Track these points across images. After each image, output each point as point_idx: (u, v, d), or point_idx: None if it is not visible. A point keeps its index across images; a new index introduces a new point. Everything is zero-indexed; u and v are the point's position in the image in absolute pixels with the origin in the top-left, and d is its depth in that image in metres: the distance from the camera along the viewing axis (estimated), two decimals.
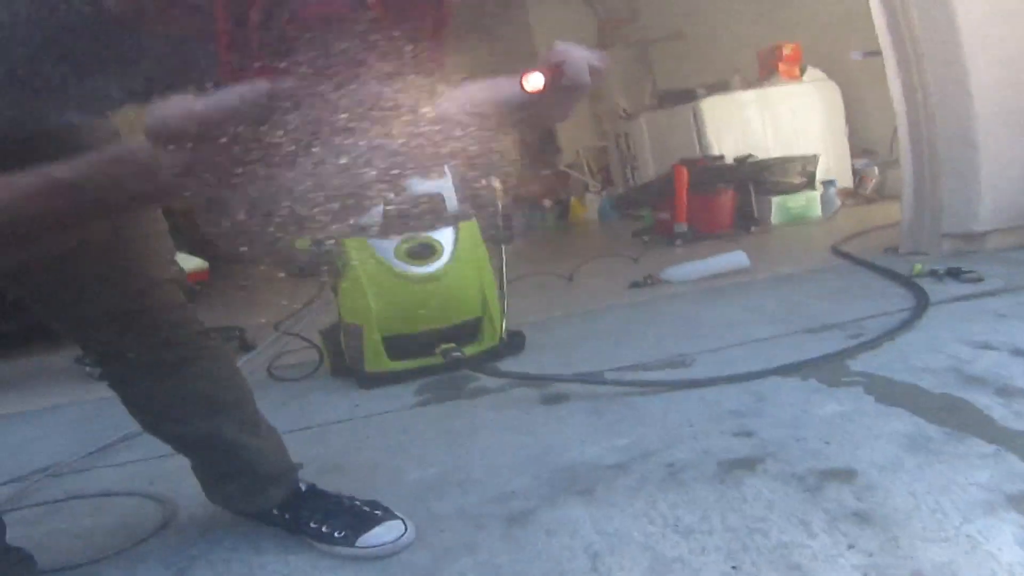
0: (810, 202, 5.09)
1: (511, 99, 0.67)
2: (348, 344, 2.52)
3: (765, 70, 5.69)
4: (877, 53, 3.13)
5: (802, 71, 5.60)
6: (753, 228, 4.85)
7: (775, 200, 5.02)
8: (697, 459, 1.56)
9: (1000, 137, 2.84)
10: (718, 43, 6.48)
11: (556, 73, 0.66)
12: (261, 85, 0.56)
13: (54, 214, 0.67)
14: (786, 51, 5.57)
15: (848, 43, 4.85)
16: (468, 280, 2.42)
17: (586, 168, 7.83)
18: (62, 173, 0.66)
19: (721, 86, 5.73)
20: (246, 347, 3.36)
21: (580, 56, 0.68)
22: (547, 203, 7.36)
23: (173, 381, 1.33)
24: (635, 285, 3.44)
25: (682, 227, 4.74)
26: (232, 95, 0.56)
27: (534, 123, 0.73)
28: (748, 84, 5.68)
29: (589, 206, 7.26)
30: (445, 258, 2.38)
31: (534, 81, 0.67)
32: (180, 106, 0.58)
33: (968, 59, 2.79)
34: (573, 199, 7.43)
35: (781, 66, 5.56)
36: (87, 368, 2.98)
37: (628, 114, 6.89)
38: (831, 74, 5.51)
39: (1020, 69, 2.82)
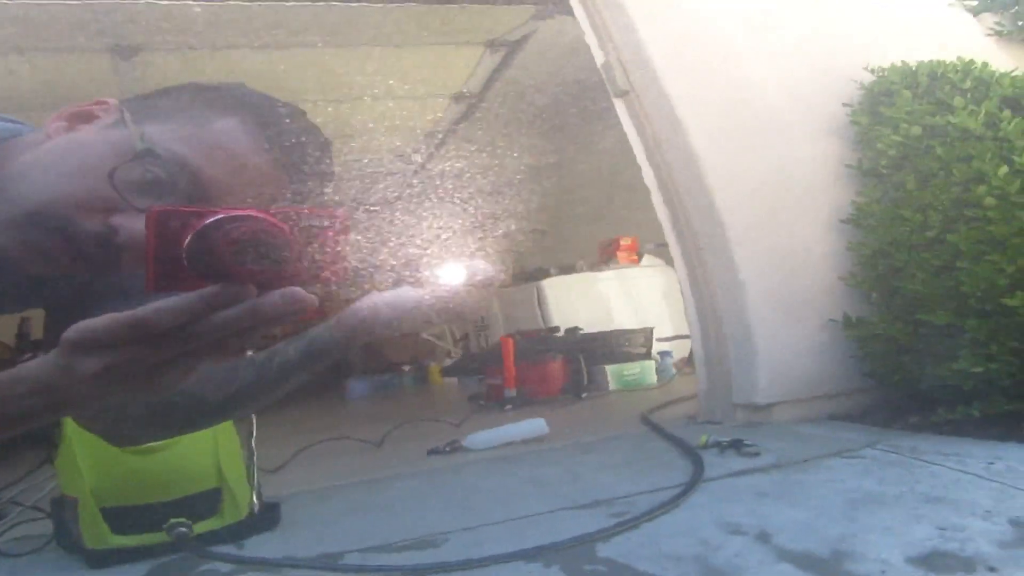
0: (644, 370, 5.23)
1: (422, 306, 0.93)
2: (67, 517, 2.20)
3: (604, 256, 6.29)
4: (666, 245, 3.40)
5: (640, 257, 6.15)
6: (584, 394, 4.85)
7: (610, 368, 5.14)
8: None
9: (770, 318, 2.99)
10: (572, 236, 7.10)
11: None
12: (208, 291, 0.57)
13: None
14: (624, 242, 6.19)
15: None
16: (201, 448, 2.19)
17: (449, 336, 8.14)
18: None
19: (568, 268, 6.26)
20: None
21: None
22: (406, 368, 7.53)
23: None
24: (433, 452, 3.25)
25: (511, 392, 4.72)
26: (176, 300, 0.57)
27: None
28: (592, 267, 6.24)
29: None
30: None
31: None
32: (110, 316, 0.58)
33: (735, 251, 3.01)
34: (432, 364, 7.63)
35: (620, 254, 6.16)
36: None
37: None
38: (668, 260, 5.94)
39: (781, 261, 3.04)
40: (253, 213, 0.58)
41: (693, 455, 2.61)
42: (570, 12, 3.59)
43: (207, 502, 2.22)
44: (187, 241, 0.57)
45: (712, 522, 1.97)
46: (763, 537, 1.82)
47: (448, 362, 7.47)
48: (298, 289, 0.58)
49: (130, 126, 0.78)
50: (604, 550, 1.84)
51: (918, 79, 2.85)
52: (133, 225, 0.69)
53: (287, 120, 0.83)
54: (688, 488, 2.23)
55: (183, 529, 2.09)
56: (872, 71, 3.12)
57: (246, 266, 0.58)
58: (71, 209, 0.74)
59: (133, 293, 0.61)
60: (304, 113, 0.87)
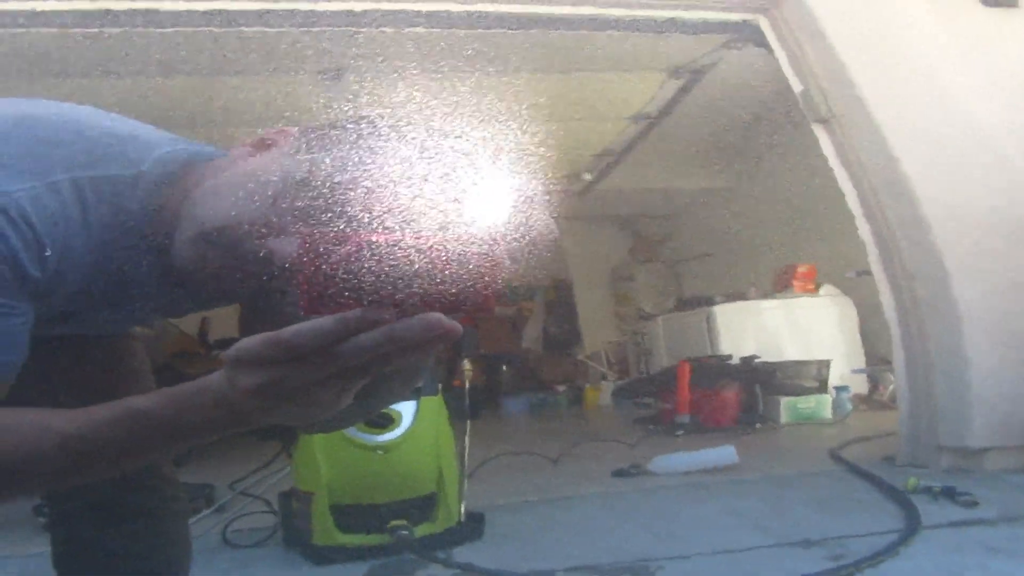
0: (820, 404, 5.02)
1: None
2: (299, 512, 2.38)
3: (780, 285, 6.01)
4: (869, 272, 3.26)
5: (818, 287, 5.86)
6: (758, 425, 4.73)
7: (784, 400, 4.97)
8: None
9: (990, 355, 2.82)
10: (741, 262, 6.91)
11: None
12: (348, 315, 0.59)
13: (130, 442, 0.70)
14: (801, 270, 5.88)
15: (857, 264, 5.02)
16: (425, 453, 2.31)
17: (604, 359, 8.14)
18: (139, 404, 0.70)
19: (738, 295, 6.06)
20: (211, 506, 3.19)
21: None
22: (560, 388, 7.59)
23: (121, 533, 1.18)
24: (619, 474, 3.28)
25: (684, 418, 4.68)
26: (316, 323, 0.60)
27: None
28: (764, 295, 6.00)
29: (603, 393, 7.42)
30: (403, 428, 2.28)
31: None
32: (262, 336, 0.61)
33: (953, 283, 2.87)
34: (588, 386, 7.66)
35: (795, 282, 5.86)
36: (42, 519, 2.78)
37: (647, 315, 7.25)
38: (847, 291, 5.75)
39: (1003, 295, 2.87)
40: (400, 240, 0.59)
41: (903, 500, 2.50)
42: (762, 42, 3.55)
43: (424, 507, 2.34)
44: (335, 266, 0.59)
45: (941, 575, 1.89)
46: None
47: (607, 384, 7.46)
48: (438, 315, 0.58)
49: (301, 156, 0.83)
50: None
51: None
52: (288, 250, 0.73)
53: (450, 153, 0.83)
54: (908, 534, 2.15)
55: (405, 532, 2.21)
56: None
57: (387, 291, 0.58)
58: (237, 232, 0.80)
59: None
60: (472, 146, 0.87)
